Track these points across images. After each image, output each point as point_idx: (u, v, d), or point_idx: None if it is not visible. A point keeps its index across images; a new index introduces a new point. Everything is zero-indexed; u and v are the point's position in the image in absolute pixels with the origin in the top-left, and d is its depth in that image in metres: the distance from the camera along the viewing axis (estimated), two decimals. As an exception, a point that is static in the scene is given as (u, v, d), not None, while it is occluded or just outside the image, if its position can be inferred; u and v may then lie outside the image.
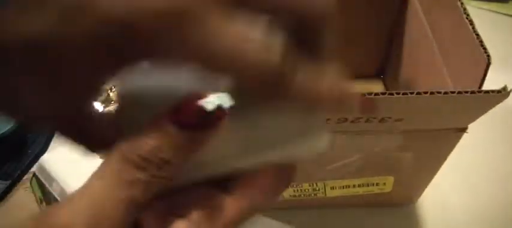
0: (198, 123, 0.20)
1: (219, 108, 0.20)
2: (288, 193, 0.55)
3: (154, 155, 0.20)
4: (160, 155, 0.20)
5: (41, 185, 0.55)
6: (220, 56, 0.17)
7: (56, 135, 0.64)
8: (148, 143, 0.20)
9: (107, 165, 0.20)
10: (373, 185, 0.53)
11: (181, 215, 0.21)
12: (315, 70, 0.20)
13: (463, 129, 0.45)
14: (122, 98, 0.23)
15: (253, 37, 0.17)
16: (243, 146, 0.23)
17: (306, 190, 0.54)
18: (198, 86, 0.20)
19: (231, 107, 0.20)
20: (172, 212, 0.22)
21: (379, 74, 0.73)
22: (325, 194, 0.53)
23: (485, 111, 0.41)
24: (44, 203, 0.54)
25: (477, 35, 0.41)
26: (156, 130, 0.20)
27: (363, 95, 0.37)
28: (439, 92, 0.37)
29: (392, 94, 0.37)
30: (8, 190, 0.58)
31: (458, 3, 0.45)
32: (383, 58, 0.70)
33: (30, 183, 0.56)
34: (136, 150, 0.20)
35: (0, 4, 0.17)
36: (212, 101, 0.20)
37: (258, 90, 0.19)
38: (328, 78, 0.20)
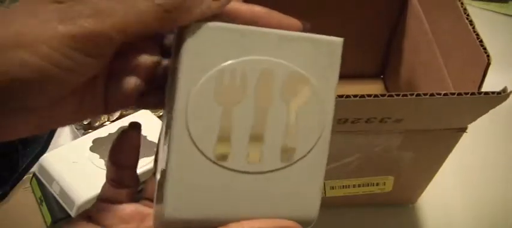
0: None
1: None
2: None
3: None
4: None
5: (41, 185, 0.55)
6: None
7: (55, 135, 0.64)
8: None
9: None
10: (373, 185, 0.53)
11: None
12: None
13: (463, 129, 0.45)
14: None
15: None
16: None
17: (306, 190, 0.54)
18: None
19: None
20: None
21: (379, 74, 0.73)
22: (325, 194, 0.53)
23: (485, 112, 0.41)
24: (44, 203, 0.54)
25: (477, 35, 0.41)
26: None
27: (362, 96, 0.37)
28: (438, 94, 0.37)
29: (392, 96, 0.37)
30: (8, 190, 0.58)
31: (458, 4, 0.45)
32: (383, 58, 0.70)
33: (30, 183, 0.56)
34: None
35: None
36: None
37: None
38: None
